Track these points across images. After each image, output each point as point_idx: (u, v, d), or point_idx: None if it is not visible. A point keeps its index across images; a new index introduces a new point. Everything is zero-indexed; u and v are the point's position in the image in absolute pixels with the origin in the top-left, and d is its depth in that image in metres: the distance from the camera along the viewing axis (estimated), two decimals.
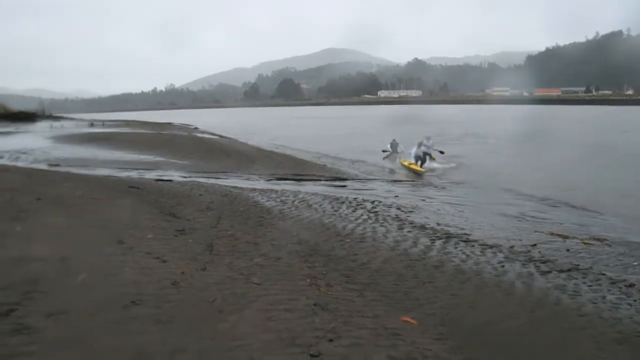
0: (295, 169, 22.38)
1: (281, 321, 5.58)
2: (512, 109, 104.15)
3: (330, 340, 5.16)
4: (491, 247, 9.61)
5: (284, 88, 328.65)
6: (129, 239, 8.74)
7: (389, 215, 12.44)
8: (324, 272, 7.69)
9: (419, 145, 28.62)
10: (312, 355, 4.82)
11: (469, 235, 10.51)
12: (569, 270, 8.32)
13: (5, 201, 11.82)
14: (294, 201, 14.05)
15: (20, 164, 24.11)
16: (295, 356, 4.80)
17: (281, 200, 14.10)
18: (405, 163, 29.00)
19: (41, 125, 71.80)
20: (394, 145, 33.44)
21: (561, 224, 12.24)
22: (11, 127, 65.11)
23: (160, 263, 7.47)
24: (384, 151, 31.00)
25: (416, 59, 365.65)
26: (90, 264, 7.26)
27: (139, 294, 6.11)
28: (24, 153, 29.80)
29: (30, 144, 36.55)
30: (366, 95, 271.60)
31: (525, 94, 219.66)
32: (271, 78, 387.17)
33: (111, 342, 4.89)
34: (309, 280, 7.22)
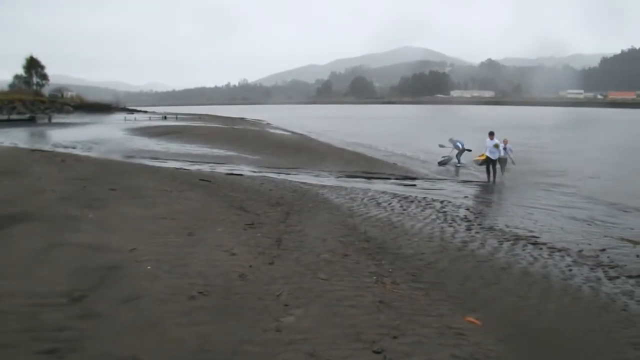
0: (365, 166, 22.34)
1: (346, 317, 5.61)
2: (588, 112, 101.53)
3: (394, 338, 5.16)
4: (559, 250, 9.50)
5: (356, 86, 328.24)
6: (199, 231, 8.95)
7: (457, 216, 12.37)
8: (390, 270, 7.67)
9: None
10: (375, 352, 4.84)
11: (537, 237, 10.41)
12: (638, 276, 8.16)
13: (78, 190, 12.26)
14: (363, 199, 14.11)
15: (93, 154, 24.94)
16: (359, 352, 4.82)
17: (350, 198, 14.16)
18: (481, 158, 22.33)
19: (115, 117, 74.13)
20: (455, 144, 26.70)
21: (632, 229, 11.94)
22: (86, 118, 67.41)
23: (228, 256, 7.62)
24: (443, 157, 26.22)
25: (490, 59, 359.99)
26: (160, 254, 7.46)
27: (206, 285, 6.25)
28: (97, 144, 30.79)
29: (104, 135, 37.77)
30: (439, 95, 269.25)
31: (599, 96, 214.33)
32: (344, 75, 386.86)
33: (177, 331, 5.02)
34: (375, 277, 7.23)
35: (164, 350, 4.64)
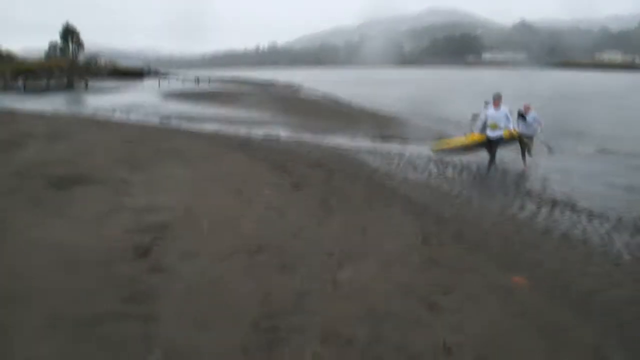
0: (399, 129, 22.28)
1: (397, 274, 5.85)
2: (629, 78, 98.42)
3: (445, 293, 5.39)
4: (598, 216, 9.50)
5: (386, 48, 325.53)
6: (247, 192, 9.24)
7: (495, 180, 12.50)
8: (434, 231, 7.90)
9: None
10: (429, 307, 5.09)
11: (575, 203, 10.41)
12: None
13: (126, 152, 12.64)
14: (399, 162, 14.31)
15: (132, 118, 25.40)
16: (413, 306, 5.06)
17: (387, 161, 14.35)
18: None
19: (149, 82, 74.81)
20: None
21: None
22: (121, 84, 68.25)
23: (279, 215, 7.91)
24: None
25: (522, 20, 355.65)
26: (214, 213, 7.77)
27: (262, 243, 6.54)
28: (135, 108, 31.24)
29: (140, 100, 38.24)
30: (469, 57, 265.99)
31: (638, 60, 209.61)
32: (374, 37, 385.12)
33: (241, 285, 5.32)
34: (421, 237, 7.44)
35: (231, 303, 4.93)
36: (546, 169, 13.71)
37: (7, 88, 59.15)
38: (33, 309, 4.68)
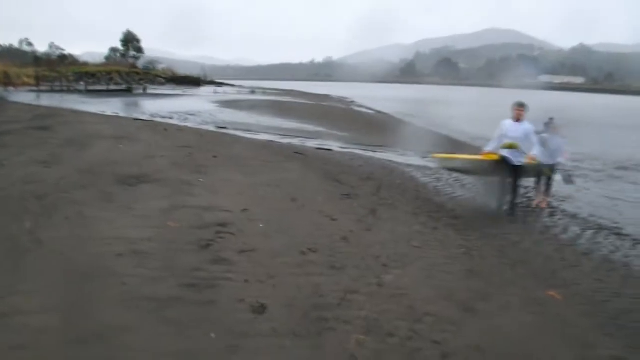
0: (449, 149, 22.32)
1: (439, 280, 6.26)
2: None
3: (482, 301, 5.75)
4: None
5: (441, 67, 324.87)
6: (301, 198, 9.70)
7: (539, 204, 12.67)
8: (478, 245, 8.28)
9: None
10: (465, 310, 5.47)
11: (621, 229, 10.47)
12: None
13: (184, 156, 13.22)
14: (448, 179, 14.59)
15: (190, 124, 26.16)
16: (452, 308, 5.44)
17: (436, 178, 14.71)
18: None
19: (205, 90, 76.14)
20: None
21: None
22: (178, 90, 69.93)
23: (330, 221, 8.34)
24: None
25: (582, 44, 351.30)
26: (269, 215, 8.23)
27: (313, 243, 7.00)
28: (192, 115, 32.08)
29: (197, 107, 39.10)
30: (526, 78, 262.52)
31: None
32: (429, 55, 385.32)
33: (293, 280, 5.77)
34: (464, 250, 7.85)
35: (284, 294, 5.38)
36: (594, 194, 13.80)
37: (69, 90, 60.99)
38: (108, 288, 5.19)
